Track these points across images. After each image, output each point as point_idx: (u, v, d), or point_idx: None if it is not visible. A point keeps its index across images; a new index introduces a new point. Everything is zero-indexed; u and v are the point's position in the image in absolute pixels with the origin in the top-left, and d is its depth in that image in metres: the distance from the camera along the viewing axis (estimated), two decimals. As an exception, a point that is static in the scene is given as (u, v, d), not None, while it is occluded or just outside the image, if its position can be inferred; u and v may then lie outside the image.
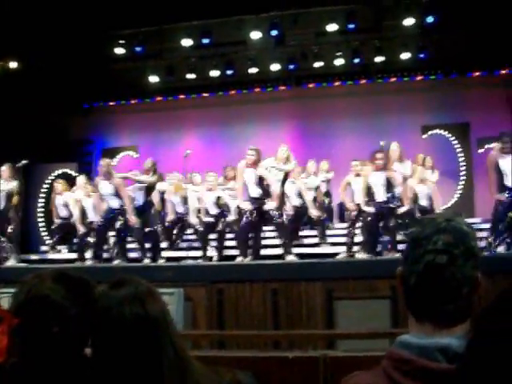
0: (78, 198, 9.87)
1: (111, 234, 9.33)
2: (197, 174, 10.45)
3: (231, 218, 9.11)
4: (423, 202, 8.89)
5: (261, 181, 8.03)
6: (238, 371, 1.53)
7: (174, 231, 10.23)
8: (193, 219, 9.42)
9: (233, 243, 9.13)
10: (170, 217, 9.98)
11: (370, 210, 8.18)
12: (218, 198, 9.33)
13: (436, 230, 1.21)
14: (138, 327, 1.37)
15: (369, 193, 8.27)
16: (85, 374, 1.41)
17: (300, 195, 9.12)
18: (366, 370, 1.25)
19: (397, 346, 1.20)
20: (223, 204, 9.37)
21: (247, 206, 8.05)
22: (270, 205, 7.92)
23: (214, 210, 9.22)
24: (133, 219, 8.48)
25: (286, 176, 8.77)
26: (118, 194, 8.53)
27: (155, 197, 9.76)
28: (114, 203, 8.56)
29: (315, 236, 9.87)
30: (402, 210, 8.13)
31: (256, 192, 8.02)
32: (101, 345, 1.41)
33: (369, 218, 8.18)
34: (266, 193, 8.05)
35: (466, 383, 0.64)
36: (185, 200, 9.84)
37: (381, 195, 8.09)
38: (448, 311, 1.18)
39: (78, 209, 9.73)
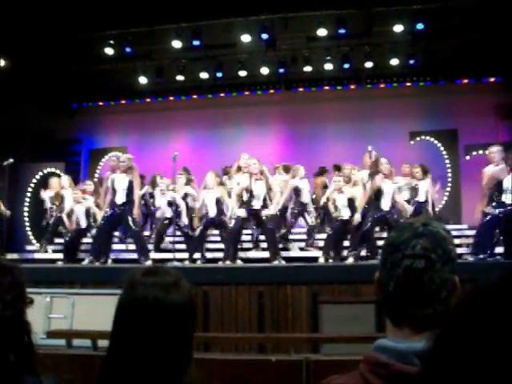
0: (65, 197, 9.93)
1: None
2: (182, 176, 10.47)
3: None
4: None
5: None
6: None
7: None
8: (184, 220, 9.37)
9: (217, 246, 9.18)
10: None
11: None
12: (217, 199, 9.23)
13: (413, 234, 1.21)
14: (160, 313, 1.38)
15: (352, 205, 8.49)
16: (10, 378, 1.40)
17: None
18: (344, 373, 1.25)
19: (374, 349, 1.20)
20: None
21: (242, 213, 8.34)
22: (266, 212, 8.30)
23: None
24: (136, 213, 8.49)
25: None
26: (130, 190, 8.41)
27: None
28: (123, 198, 8.39)
29: (302, 240, 9.86)
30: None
31: (259, 204, 8.41)
32: (123, 329, 1.41)
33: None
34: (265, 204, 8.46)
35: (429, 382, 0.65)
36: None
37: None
38: (426, 315, 1.18)
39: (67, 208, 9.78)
